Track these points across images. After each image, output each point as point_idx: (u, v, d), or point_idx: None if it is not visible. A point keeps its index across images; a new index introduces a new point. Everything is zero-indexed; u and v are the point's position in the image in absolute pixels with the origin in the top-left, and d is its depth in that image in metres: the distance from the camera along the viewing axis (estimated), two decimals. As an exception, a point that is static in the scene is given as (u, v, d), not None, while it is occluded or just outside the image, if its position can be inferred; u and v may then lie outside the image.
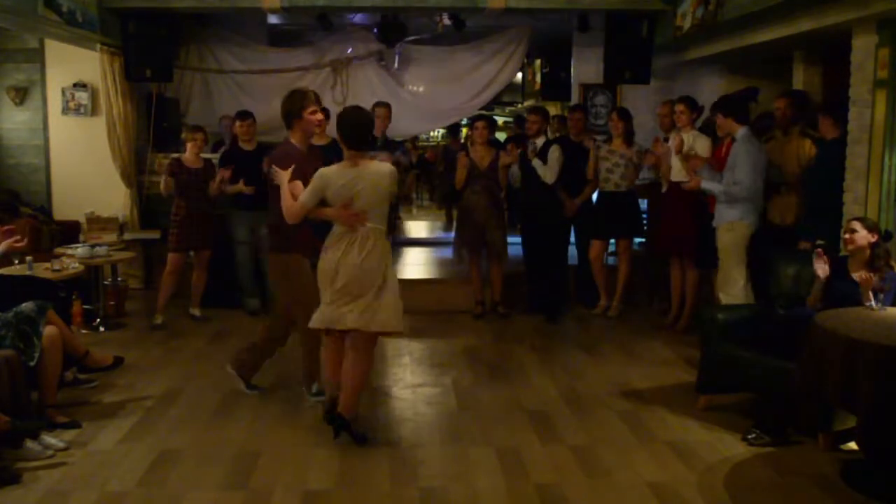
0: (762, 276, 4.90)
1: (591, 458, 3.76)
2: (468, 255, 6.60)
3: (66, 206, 7.44)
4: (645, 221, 6.73)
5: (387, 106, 6.56)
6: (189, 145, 6.21)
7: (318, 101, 4.31)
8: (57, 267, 5.41)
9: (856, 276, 3.89)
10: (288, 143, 4.28)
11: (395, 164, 6.42)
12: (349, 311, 3.78)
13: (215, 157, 6.58)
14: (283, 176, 3.98)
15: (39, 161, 7.53)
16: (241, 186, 6.15)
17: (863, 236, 3.95)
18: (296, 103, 4.21)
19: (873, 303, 3.72)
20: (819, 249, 4.09)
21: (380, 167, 3.94)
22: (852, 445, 3.83)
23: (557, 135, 7.54)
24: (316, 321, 3.92)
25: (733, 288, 5.24)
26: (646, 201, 6.77)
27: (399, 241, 8.70)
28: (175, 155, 6.35)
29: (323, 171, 3.87)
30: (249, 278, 6.56)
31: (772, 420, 3.92)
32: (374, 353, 4.10)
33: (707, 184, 5.31)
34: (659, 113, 6.35)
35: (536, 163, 6.24)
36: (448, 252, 6.96)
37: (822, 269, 4.05)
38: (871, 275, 3.81)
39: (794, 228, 5.22)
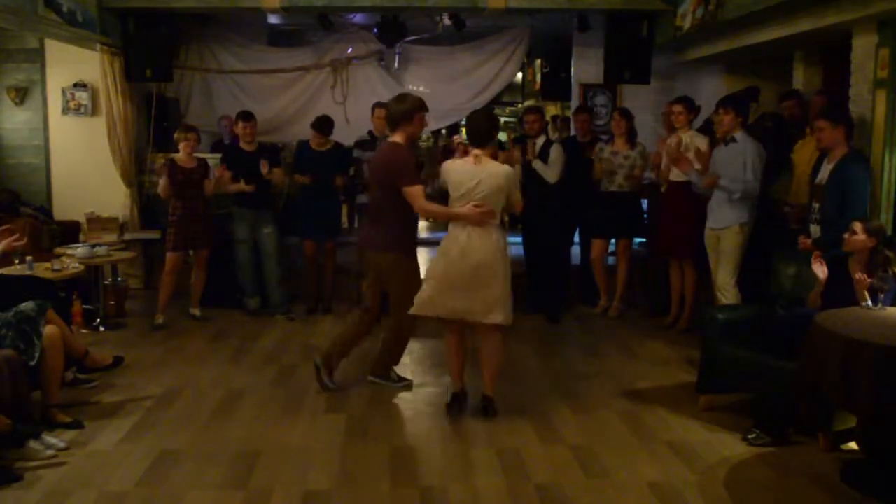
0: (762, 276, 4.90)
1: (591, 458, 3.76)
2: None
3: (66, 206, 7.43)
4: (646, 221, 6.72)
5: (387, 106, 6.54)
6: (182, 145, 6.20)
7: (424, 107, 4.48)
8: (57, 267, 5.40)
9: (855, 276, 3.89)
10: (398, 146, 4.43)
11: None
12: (472, 303, 4.13)
13: (213, 157, 6.58)
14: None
15: (39, 161, 7.53)
16: (242, 185, 6.17)
17: (860, 240, 3.93)
18: (415, 103, 4.43)
19: (869, 302, 3.72)
20: (817, 253, 4.13)
21: (499, 167, 4.18)
22: (852, 445, 3.82)
23: (558, 135, 7.53)
24: (424, 309, 4.20)
25: (732, 288, 5.28)
26: (646, 201, 6.77)
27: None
28: (170, 156, 6.36)
29: (446, 164, 4.30)
30: (249, 278, 6.55)
31: (772, 420, 3.92)
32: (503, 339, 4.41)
33: (724, 182, 5.22)
34: (665, 111, 6.35)
35: (537, 164, 6.21)
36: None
37: (821, 271, 4.08)
38: (867, 277, 3.82)
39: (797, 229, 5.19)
